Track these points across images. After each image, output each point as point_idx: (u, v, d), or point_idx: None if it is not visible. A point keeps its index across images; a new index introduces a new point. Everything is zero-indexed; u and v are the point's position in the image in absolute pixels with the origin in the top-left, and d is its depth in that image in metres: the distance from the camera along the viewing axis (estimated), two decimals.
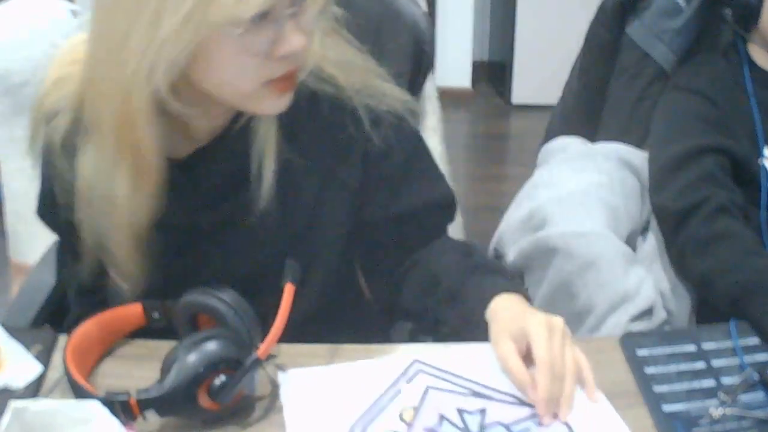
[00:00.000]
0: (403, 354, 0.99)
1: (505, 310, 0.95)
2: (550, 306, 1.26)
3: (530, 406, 0.90)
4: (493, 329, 0.95)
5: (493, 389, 0.93)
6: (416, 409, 0.90)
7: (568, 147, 1.54)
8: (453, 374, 0.95)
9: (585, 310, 1.24)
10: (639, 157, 1.44)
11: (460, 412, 0.90)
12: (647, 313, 1.25)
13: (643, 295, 1.25)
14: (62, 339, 0.98)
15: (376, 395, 0.92)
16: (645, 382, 0.95)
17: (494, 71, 4.41)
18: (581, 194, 1.35)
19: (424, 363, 0.97)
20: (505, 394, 0.92)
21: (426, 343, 1.06)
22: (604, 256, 1.26)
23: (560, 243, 1.28)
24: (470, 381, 0.94)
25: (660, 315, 1.27)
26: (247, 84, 0.87)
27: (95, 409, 0.78)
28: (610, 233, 1.30)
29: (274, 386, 0.93)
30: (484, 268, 1.04)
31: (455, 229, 1.21)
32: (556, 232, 1.30)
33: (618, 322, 1.23)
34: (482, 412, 0.90)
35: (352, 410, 0.90)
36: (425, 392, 0.92)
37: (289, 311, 0.88)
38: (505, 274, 1.05)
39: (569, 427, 0.88)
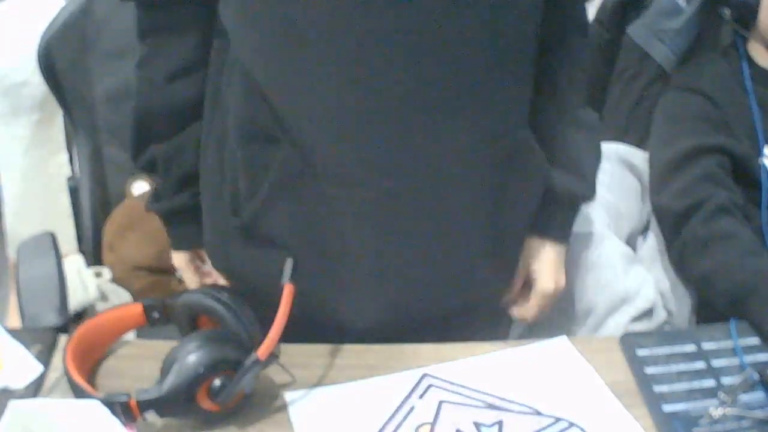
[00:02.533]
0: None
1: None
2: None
3: (549, 416, 0.89)
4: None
5: (509, 401, 0.92)
6: (432, 425, 0.88)
7: None
8: (465, 387, 0.94)
9: (585, 311, 1.23)
10: (639, 157, 1.43)
11: (477, 425, 0.88)
12: (647, 313, 1.25)
13: (643, 295, 1.25)
14: (62, 339, 0.98)
15: (389, 413, 0.90)
16: (645, 382, 0.94)
17: None
18: None
19: (434, 377, 0.95)
20: (522, 405, 0.91)
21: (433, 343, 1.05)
22: (604, 257, 1.26)
23: None
24: (484, 393, 0.93)
25: (660, 315, 1.27)
26: None
27: (95, 409, 0.78)
28: (611, 233, 1.30)
29: (275, 386, 0.93)
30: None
31: None
32: None
33: (618, 323, 1.23)
34: (499, 424, 0.88)
35: (365, 429, 0.87)
36: (439, 407, 0.91)
37: None
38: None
39: (581, 429, 0.88)
